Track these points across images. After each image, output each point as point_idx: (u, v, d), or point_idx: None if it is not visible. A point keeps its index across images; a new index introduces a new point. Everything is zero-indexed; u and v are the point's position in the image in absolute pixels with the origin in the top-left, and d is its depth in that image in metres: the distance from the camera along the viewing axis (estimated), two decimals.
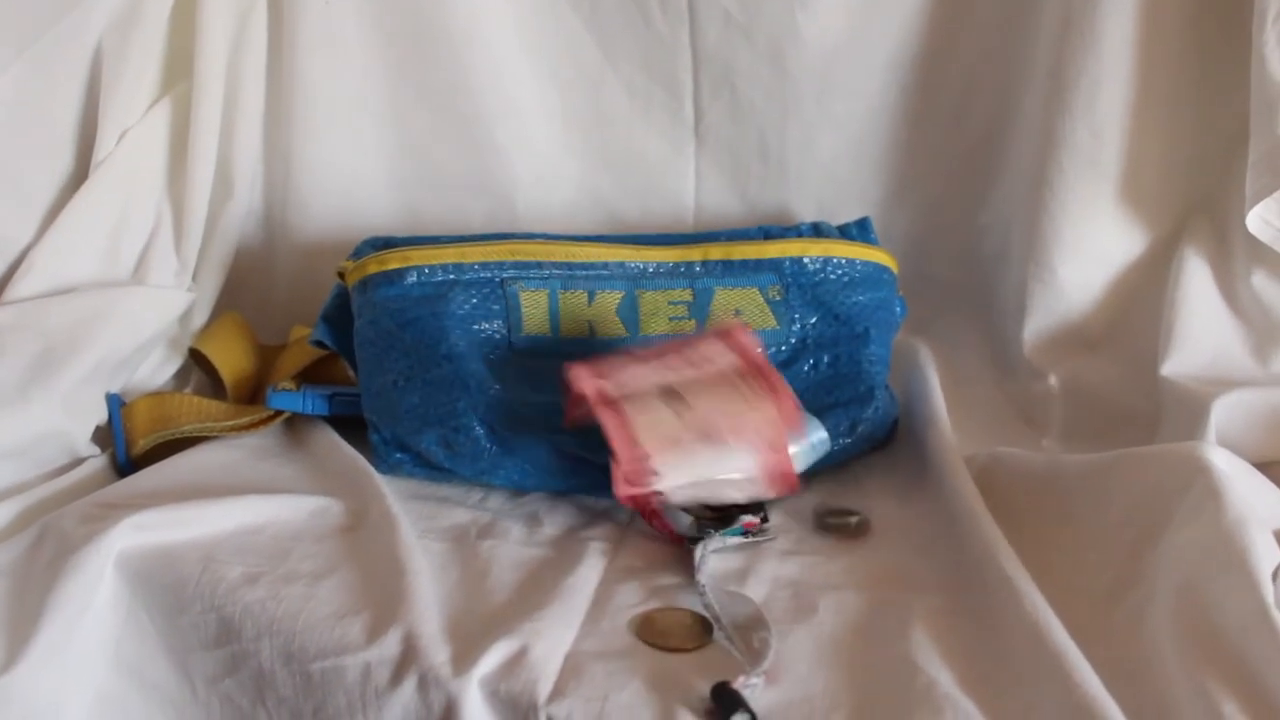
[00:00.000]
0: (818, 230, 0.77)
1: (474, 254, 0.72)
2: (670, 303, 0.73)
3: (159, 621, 0.61)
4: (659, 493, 0.59)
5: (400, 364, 0.71)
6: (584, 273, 0.73)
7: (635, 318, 0.73)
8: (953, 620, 0.56)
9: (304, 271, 0.91)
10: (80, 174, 0.81)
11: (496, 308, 0.72)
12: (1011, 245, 0.86)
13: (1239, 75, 0.74)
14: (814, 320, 0.74)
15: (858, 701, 0.52)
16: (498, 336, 0.71)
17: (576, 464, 0.69)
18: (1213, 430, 0.68)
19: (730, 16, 0.85)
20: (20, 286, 0.76)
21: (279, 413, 0.78)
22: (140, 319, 0.80)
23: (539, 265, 0.73)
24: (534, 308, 0.72)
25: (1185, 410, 0.71)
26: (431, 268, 0.72)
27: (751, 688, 0.52)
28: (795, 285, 0.74)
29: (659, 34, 0.87)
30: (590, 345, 0.72)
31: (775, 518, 0.67)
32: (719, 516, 0.63)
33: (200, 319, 0.87)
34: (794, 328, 0.74)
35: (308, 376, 0.82)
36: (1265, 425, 0.70)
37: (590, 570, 0.62)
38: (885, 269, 0.77)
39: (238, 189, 0.87)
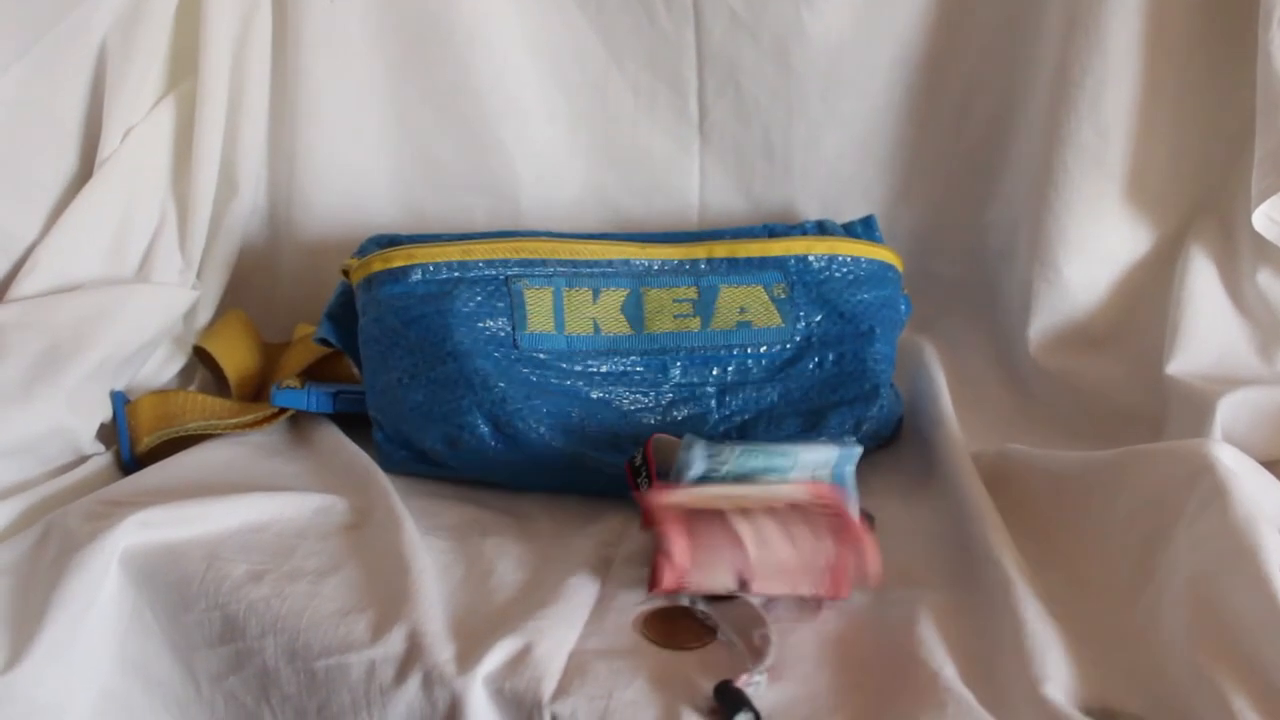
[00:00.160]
0: (822, 228, 0.77)
1: (478, 251, 0.72)
2: (675, 300, 0.73)
3: (163, 619, 0.61)
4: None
5: (404, 362, 0.71)
6: (589, 270, 0.73)
7: (640, 315, 0.73)
8: (957, 617, 0.56)
9: (308, 269, 0.91)
10: (85, 172, 0.81)
11: (501, 305, 0.72)
12: (1017, 244, 0.86)
13: (1245, 74, 0.74)
14: (819, 318, 0.74)
15: (861, 699, 0.52)
16: (502, 334, 0.71)
17: (581, 462, 0.69)
18: (1218, 429, 0.68)
19: (735, 14, 0.85)
20: (25, 284, 0.76)
21: (283, 410, 0.78)
22: (145, 317, 0.80)
23: (543, 263, 0.73)
24: (538, 305, 0.72)
25: (1191, 409, 0.71)
26: (436, 265, 0.72)
27: (755, 685, 0.52)
28: (800, 283, 0.74)
29: (664, 32, 0.87)
30: (595, 343, 0.72)
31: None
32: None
33: (205, 317, 0.87)
34: (799, 325, 0.74)
35: (312, 374, 0.82)
36: (1271, 423, 0.70)
37: (594, 569, 0.62)
38: (890, 267, 0.77)
39: (242, 187, 0.87)
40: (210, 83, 0.82)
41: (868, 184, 0.91)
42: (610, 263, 0.74)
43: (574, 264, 0.73)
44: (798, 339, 0.74)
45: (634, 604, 0.58)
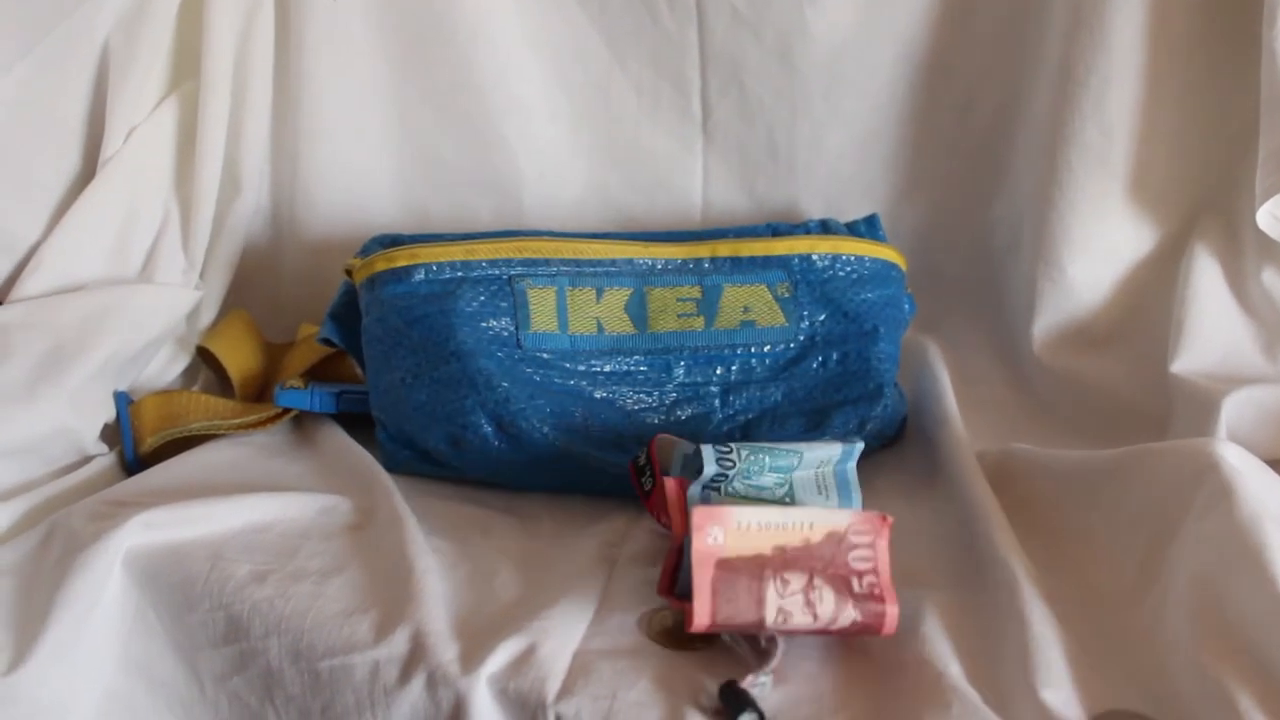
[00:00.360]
0: (826, 227, 0.77)
1: (482, 251, 0.72)
2: (679, 299, 0.73)
3: (167, 619, 0.61)
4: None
5: (408, 362, 0.71)
6: (592, 269, 0.73)
7: (644, 314, 0.73)
8: (962, 617, 0.56)
9: (311, 269, 0.91)
10: (88, 172, 0.81)
11: (504, 305, 0.72)
12: (1021, 242, 0.86)
13: (1249, 73, 0.74)
14: (823, 317, 0.74)
15: (866, 699, 0.52)
16: (505, 334, 0.71)
17: (584, 462, 0.69)
18: (1223, 428, 0.68)
19: (738, 13, 0.85)
20: (28, 284, 0.76)
21: (286, 411, 0.77)
22: (148, 317, 0.80)
23: (547, 262, 0.73)
24: (542, 305, 0.72)
25: (1196, 408, 0.71)
26: (439, 265, 0.72)
27: (760, 686, 0.51)
28: (804, 282, 0.74)
29: (666, 31, 0.87)
30: (598, 342, 0.72)
31: None
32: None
33: (208, 317, 0.87)
34: (803, 325, 0.74)
35: (315, 374, 0.83)
36: (1276, 422, 0.70)
37: (598, 569, 0.62)
38: (894, 266, 0.77)
39: (245, 187, 0.87)
40: (213, 82, 0.82)
41: (871, 183, 0.91)
42: (614, 262, 0.74)
43: (577, 263, 0.73)
44: (801, 338, 0.74)
45: (638, 604, 0.58)
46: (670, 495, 0.60)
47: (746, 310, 0.73)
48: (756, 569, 0.53)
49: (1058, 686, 0.50)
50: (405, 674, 0.54)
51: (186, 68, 0.83)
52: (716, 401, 0.73)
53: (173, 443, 0.76)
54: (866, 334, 0.74)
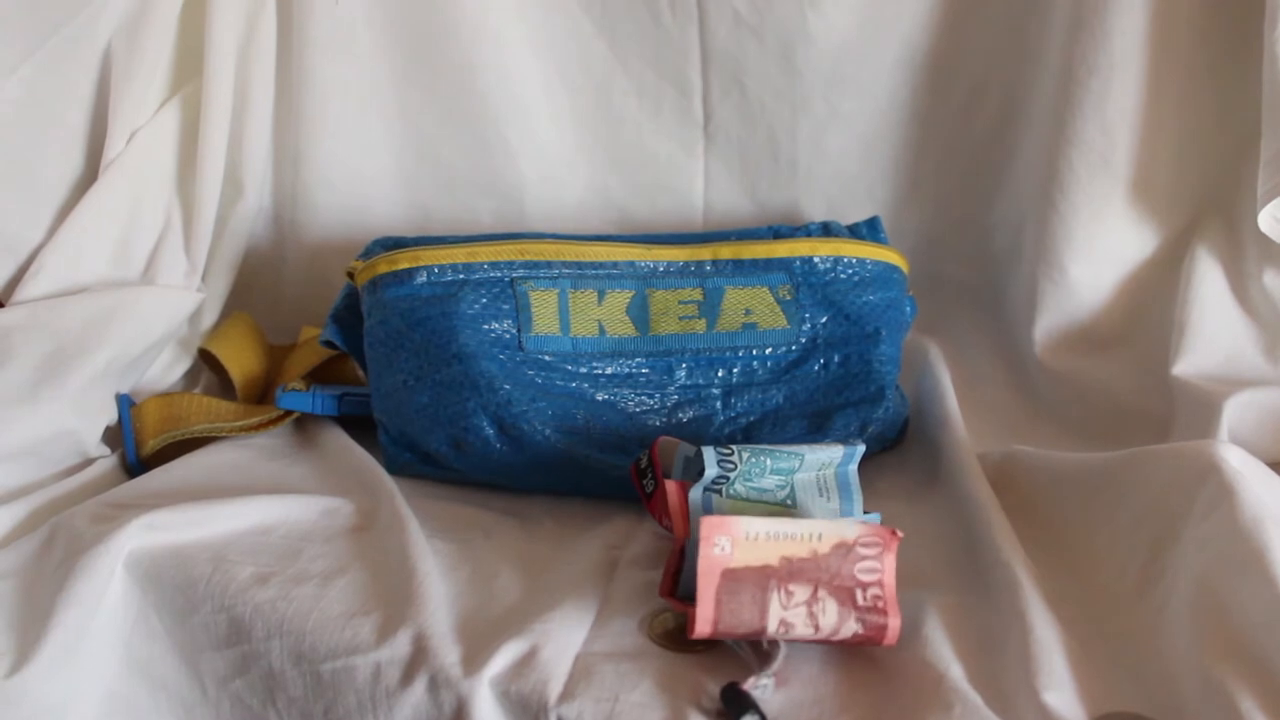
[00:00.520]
0: (828, 229, 0.77)
1: (483, 254, 0.72)
2: (680, 302, 0.73)
3: (169, 621, 0.61)
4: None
5: (410, 364, 0.71)
6: (594, 272, 0.73)
7: (645, 317, 0.73)
8: (963, 619, 0.56)
9: (313, 271, 0.91)
10: (90, 174, 0.81)
11: (506, 307, 0.72)
12: (1022, 244, 0.86)
13: (1251, 74, 0.74)
14: (824, 320, 0.74)
15: (868, 701, 0.52)
16: (507, 336, 0.71)
17: (586, 464, 0.69)
18: (1225, 430, 0.68)
19: (739, 15, 0.85)
20: (30, 287, 0.76)
21: (289, 413, 0.78)
22: (150, 319, 0.80)
23: (549, 265, 0.73)
24: (544, 307, 0.72)
25: (1197, 410, 0.71)
26: (441, 267, 0.72)
27: (762, 689, 0.51)
28: (805, 285, 0.74)
29: (668, 33, 0.87)
30: (600, 345, 0.72)
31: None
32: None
33: (210, 319, 0.87)
34: (804, 327, 0.74)
35: (317, 376, 0.83)
36: (1277, 424, 0.70)
37: (600, 571, 0.62)
38: (895, 268, 0.77)
39: (247, 189, 0.87)
40: (215, 85, 0.82)
41: (872, 185, 0.91)
42: (615, 264, 0.74)
43: (579, 266, 0.73)
44: (803, 340, 0.74)
45: (640, 606, 0.58)
46: (672, 498, 0.60)
47: (748, 313, 0.73)
48: (762, 580, 0.53)
49: (1060, 688, 0.50)
50: (407, 676, 0.54)
51: (189, 70, 0.84)
52: (718, 404, 0.73)
53: (175, 445, 0.77)
54: (868, 336, 0.74)
